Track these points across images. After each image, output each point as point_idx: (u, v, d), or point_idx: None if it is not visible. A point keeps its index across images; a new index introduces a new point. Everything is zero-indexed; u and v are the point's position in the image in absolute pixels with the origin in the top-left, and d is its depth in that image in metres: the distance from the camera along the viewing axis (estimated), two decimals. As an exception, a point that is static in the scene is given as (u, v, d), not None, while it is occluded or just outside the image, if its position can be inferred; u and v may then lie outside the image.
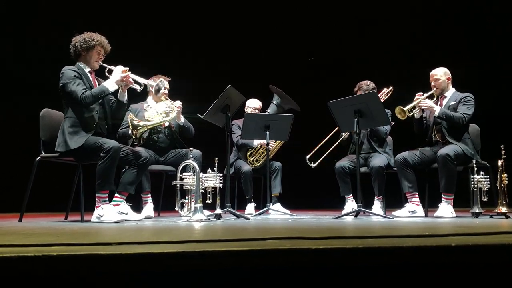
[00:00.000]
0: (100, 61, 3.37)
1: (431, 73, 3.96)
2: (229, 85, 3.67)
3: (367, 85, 4.29)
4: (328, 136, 4.37)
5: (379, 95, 4.30)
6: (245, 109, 4.69)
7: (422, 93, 3.84)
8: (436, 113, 3.75)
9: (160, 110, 3.76)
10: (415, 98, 3.83)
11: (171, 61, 5.60)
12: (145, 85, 3.49)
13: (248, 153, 4.77)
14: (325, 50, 6.30)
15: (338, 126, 3.87)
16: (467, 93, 3.84)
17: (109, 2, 5.67)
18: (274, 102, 4.75)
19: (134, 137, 3.53)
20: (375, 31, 6.16)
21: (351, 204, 4.18)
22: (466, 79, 4.48)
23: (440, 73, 3.90)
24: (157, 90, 3.66)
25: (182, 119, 4.05)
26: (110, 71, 3.35)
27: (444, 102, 3.90)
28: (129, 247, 1.44)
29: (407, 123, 3.95)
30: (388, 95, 4.36)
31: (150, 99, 4.13)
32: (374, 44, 6.12)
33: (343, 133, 4.31)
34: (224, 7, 6.07)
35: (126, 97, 3.41)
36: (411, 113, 3.85)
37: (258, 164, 4.74)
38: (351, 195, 4.24)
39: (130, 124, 3.59)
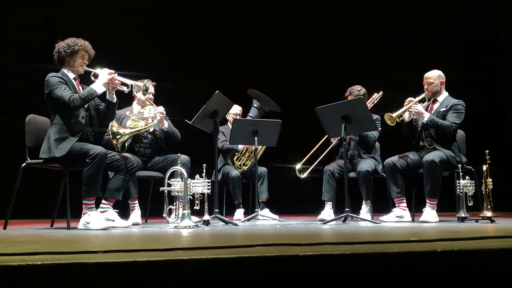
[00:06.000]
0: (84, 65, 3.35)
1: (425, 75, 3.93)
2: (217, 91, 3.67)
3: (358, 90, 4.28)
4: (318, 145, 4.38)
5: (369, 100, 4.34)
6: (226, 115, 4.69)
7: (414, 97, 3.83)
8: (425, 119, 3.75)
9: (142, 116, 3.73)
10: (406, 103, 3.81)
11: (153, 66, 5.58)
12: (130, 90, 3.47)
13: (235, 158, 4.78)
14: (317, 53, 6.35)
15: (326, 131, 3.89)
16: (459, 101, 3.82)
17: (95, 6, 5.64)
18: (255, 105, 4.80)
19: (115, 147, 3.49)
20: (367, 35, 6.21)
21: (328, 211, 4.07)
22: (453, 84, 4.54)
23: (434, 76, 3.88)
24: (145, 90, 3.56)
25: (166, 124, 4.03)
26: (96, 75, 3.33)
27: (435, 106, 3.89)
28: (115, 255, 1.42)
29: (394, 129, 3.96)
30: (378, 100, 4.38)
31: (135, 104, 4.11)
32: (366, 47, 6.16)
33: (332, 140, 4.32)
34: (209, 13, 6.09)
35: (115, 98, 3.39)
36: (400, 119, 3.85)
37: (246, 167, 4.75)
38: (331, 202, 4.12)
39: (110, 131, 3.56)
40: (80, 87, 3.39)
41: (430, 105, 3.93)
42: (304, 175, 4.37)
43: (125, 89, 3.41)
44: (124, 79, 3.39)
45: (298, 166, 4.38)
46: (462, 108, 3.78)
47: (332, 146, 4.37)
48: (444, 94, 3.92)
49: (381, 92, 4.38)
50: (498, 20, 6.24)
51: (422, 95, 3.88)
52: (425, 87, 3.91)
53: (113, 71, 3.30)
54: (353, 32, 6.21)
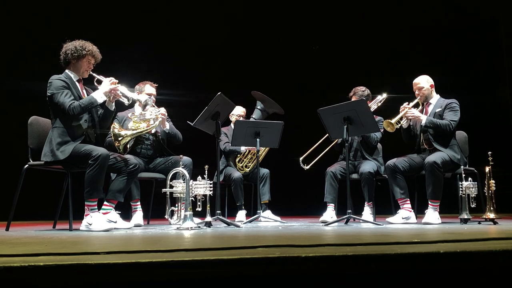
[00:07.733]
0: (89, 70, 3.34)
1: (413, 82, 3.98)
2: (219, 93, 3.68)
3: (362, 91, 4.30)
4: (322, 140, 4.36)
5: (372, 102, 4.33)
6: (229, 116, 4.69)
7: (407, 103, 3.87)
8: (423, 122, 3.77)
9: (144, 118, 3.73)
10: (401, 109, 3.85)
11: (157, 69, 5.59)
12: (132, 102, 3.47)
13: (237, 159, 4.78)
14: (316, 56, 6.35)
15: (328, 133, 3.89)
16: (452, 100, 3.87)
17: (99, 11, 5.66)
18: (258, 107, 4.79)
19: (117, 149, 3.49)
20: (369, 38, 6.21)
21: (330, 213, 4.09)
22: (454, 85, 4.54)
23: (423, 81, 3.93)
24: (144, 106, 3.63)
25: (167, 126, 4.04)
26: (99, 81, 3.33)
27: (430, 109, 3.93)
28: (118, 256, 1.43)
29: (396, 131, 3.96)
30: (382, 102, 4.38)
31: (137, 106, 4.11)
32: (367, 50, 6.16)
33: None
34: (212, 16, 6.11)
35: (113, 107, 3.40)
36: (399, 125, 3.87)
37: (248, 169, 4.75)
38: (333, 204, 4.14)
39: (112, 133, 3.57)
40: (84, 90, 3.39)
41: (425, 109, 3.96)
42: (308, 166, 4.35)
43: (125, 101, 3.40)
44: (125, 91, 3.39)
45: (301, 157, 4.36)
46: (456, 106, 3.83)
47: (335, 143, 4.36)
48: (436, 96, 3.96)
49: (385, 95, 4.36)
50: (498, 20, 6.24)
51: (416, 101, 3.92)
52: (416, 93, 3.95)
53: (116, 81, 3.30)
54: (353, 32, 6.22)
